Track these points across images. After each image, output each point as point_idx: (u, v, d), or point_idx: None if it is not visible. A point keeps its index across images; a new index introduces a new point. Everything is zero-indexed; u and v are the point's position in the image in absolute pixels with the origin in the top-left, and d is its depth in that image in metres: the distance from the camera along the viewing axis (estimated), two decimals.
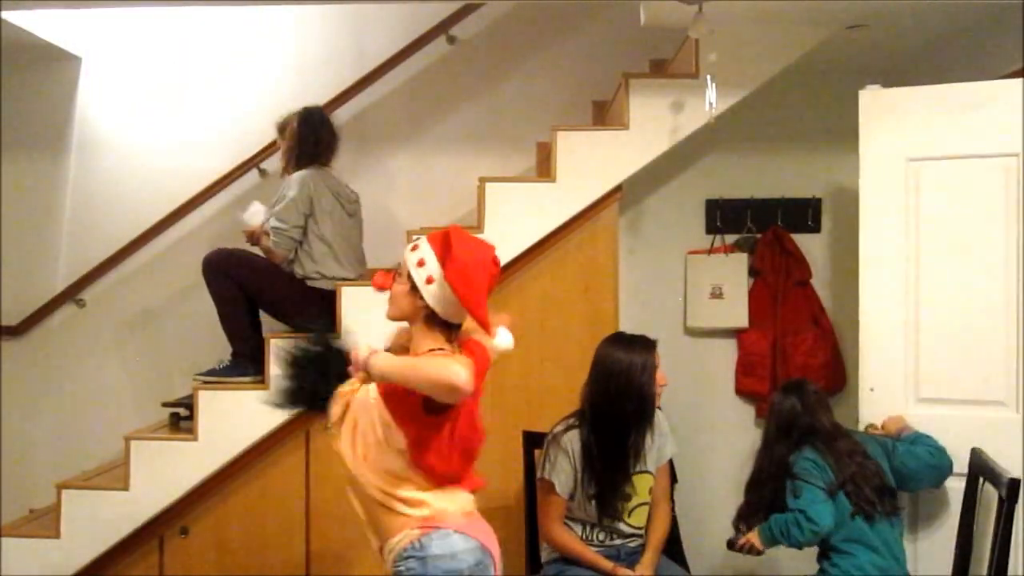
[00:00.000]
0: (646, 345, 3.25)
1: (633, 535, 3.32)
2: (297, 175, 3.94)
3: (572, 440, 3.25)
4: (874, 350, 3.50)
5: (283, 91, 4.52)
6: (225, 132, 4.61)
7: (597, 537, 3.28)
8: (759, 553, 3.26)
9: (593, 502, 3.23)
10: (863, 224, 3.56)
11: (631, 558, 3.28)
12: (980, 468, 3.17)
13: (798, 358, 4.50)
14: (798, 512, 3.10)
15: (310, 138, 4.02)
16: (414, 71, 4.65)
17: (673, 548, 3.57)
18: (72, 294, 4.61)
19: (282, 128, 4.11)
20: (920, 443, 3.31)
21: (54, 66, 4.67)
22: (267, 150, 4.48)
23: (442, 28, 4.57)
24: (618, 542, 3.29)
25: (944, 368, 3.37)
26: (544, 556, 3.40)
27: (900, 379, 3.43)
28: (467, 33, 4.62)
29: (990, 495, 3.09)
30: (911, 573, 4.10)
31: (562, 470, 3.23)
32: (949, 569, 3.20)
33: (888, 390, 3.43)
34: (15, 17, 4.14)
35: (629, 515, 3.27)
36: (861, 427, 3.53)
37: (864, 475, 3.16)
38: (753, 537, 3.23)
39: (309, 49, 4.73)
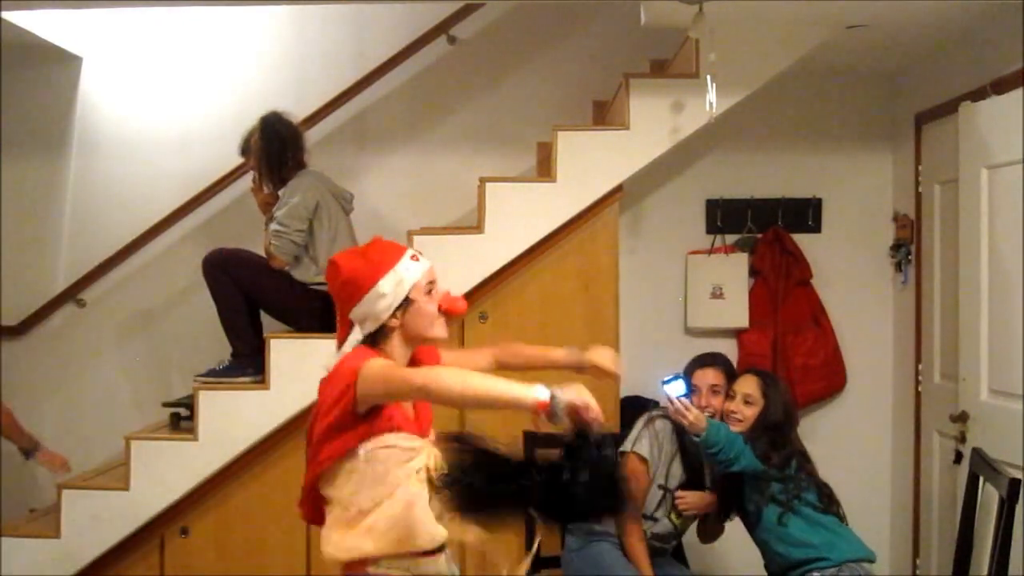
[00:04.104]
0: (699, 359, 3.46)
1: (669, 535, 3.42)
2: (297, 181, 3.93)
3: (664, 428, 3.36)
4: (967, 343, 3.64)
5: (284, 91, 4.52)
6: (226, 132, 4.59)
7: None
8: (690, 430, 3.20)
9: (658, 492, 3.34)
10: (963, 228, 3.67)
11: (654, 560, 3.33)
12: (980, 468, 3.17)
13: (798, 358, 4.50)
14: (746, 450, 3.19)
15: (275, 144, 3.97)
16: (414, 71, 4.65)
17: (674, 547, 3.59)
18: (72, 294, 4.61)
19: (244, 149, 4.08)
20: None
21: (54, 66, 4.67)
22: None
23: (442, 28, 4.57)
24: (652, 543, 3.36)
25: (1019, 363, 3.37)
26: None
27: (984, 371, 3.55)
28: (467, 33, 4.62)
29: (990, 495, 3.09)
30: (912, 573, 4.11)
31: (651, 451, 3.34)
32: (950, 569, 3.20)
33: (973, 381, 3.59)
34: (15, 17, 4.14)
35: (678, 515, 3.39)
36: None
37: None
38: (701, 419, 3.18)
39: (309, 49, 4.73)
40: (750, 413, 3.29)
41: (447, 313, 2.38)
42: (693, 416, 3.16)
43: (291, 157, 3.99)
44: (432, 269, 2.39)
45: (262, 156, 3.99)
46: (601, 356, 2.63)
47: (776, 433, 3.25)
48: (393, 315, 2.32)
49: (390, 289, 2.31)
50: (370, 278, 2.31)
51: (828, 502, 3.23)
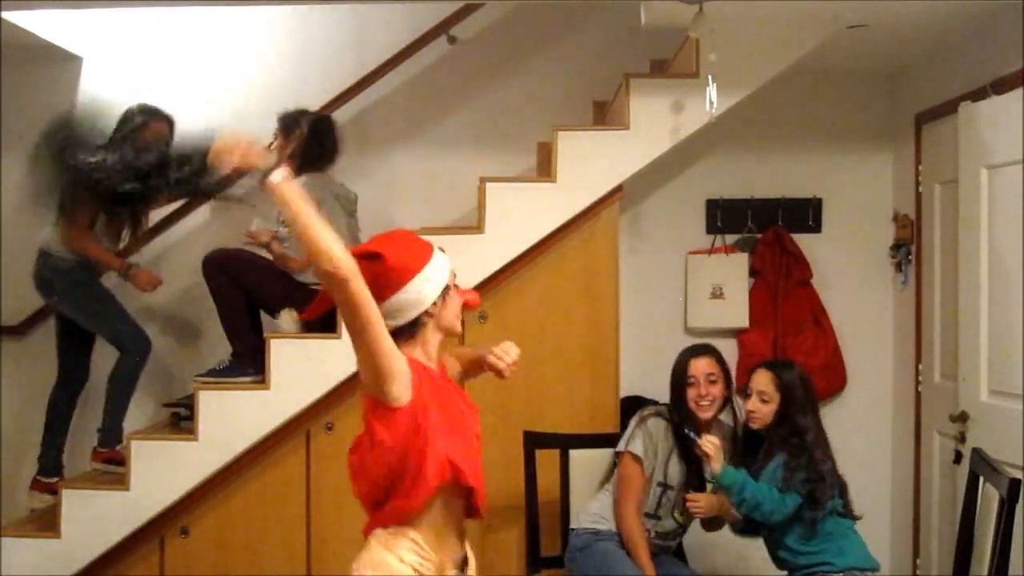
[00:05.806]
0: (689, 350, 3.45)
1: (672, 534, 3.43)
2: (300, 182, 3.92)
3: (657, 427, 3.37)
4: (967, 343, 3.66)
5: (284, 91, 4.51)
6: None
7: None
8: (709, 479, 3.22)
9: (658, 490, 3.34)
10: (963, 228, 3.68)
11: (656, 558, 3.34)
12: (980, 468, 3.17)
13: (798, 358, 4.47)
14: (779, 503, 3.11)
15: (315, 149, 3.98)
16: (414, 71, 4.65)
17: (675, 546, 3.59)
18: None
19: (287, 126, 4.03)
20: None
21: (54, 66, 4.67)
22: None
23: (442, 28, 4.56)
24: (656, 542, 3.38)
25: (1019, 363, 3.38)
26: (576, 522, 3.47)
27: (984, 371, 3.56)
28: (467, 33, 4.62)
29: (990, 495, 3.09)
30: (912, 573, 4.11)
31: (646, 450, 3.34)
32: (950, 569, 3.20)
33: (973, 381, 3.61)
34: (15, 17, 4.13)
35: (681, 512, 3.39)
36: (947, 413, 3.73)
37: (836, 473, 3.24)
38: (717, 465, 3.16)
39: (309, 49, 4.72)
40: (767, 410, 3.24)
41: (465, 307, 2.40)
42: (713, 468, 3.19)
43: (320, 167, 4.00)
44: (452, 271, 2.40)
45: (297, 151, 3.96)
46: (496, 352, 2.50)
47: (795, 425, 3.21)
48: (433, 304, 2.29)
49: (434, 277, 2.30)
50: (415, 266, 2.27)
51: (848, 503, 3.21)
